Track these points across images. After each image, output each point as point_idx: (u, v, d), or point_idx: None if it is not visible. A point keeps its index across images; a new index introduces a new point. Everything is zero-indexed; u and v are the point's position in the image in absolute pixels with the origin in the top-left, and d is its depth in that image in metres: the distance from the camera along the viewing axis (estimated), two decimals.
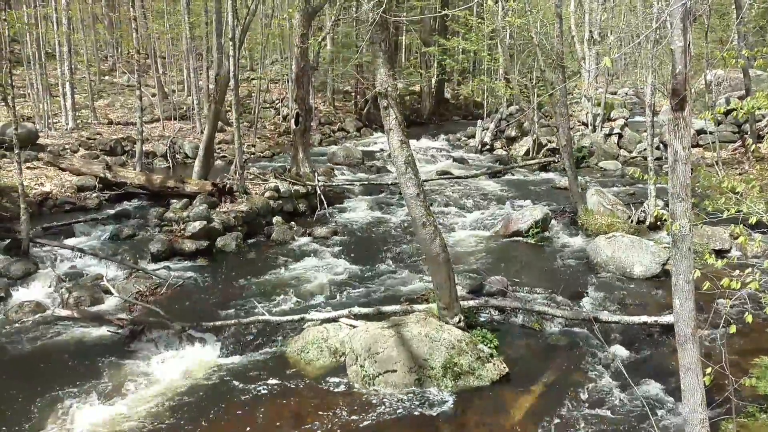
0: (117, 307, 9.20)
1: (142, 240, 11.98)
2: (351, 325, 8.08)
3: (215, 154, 18.43)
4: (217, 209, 12.93)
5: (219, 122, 17.93)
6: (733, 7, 17.77)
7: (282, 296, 9.58)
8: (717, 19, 20.05)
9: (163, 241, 11.40)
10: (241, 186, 13.80)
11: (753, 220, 4.83)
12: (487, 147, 23.60)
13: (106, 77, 29.72)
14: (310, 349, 7.71)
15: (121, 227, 12.48)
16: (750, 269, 4.12)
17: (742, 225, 5.67)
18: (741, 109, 5.95)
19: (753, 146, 15.07)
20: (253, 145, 22.71)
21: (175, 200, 13.18)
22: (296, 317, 8.46)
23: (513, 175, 19.22)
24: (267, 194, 14.14)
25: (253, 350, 7.94)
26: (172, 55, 28.96)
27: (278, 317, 8.52)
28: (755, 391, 6.06)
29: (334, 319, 8.31)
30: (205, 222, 11.82)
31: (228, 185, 13.73)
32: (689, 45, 4.00)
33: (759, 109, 5.70)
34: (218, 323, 8.33)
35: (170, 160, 20.04)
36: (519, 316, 8.73)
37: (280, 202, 14.23)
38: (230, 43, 13.66)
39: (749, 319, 4.04)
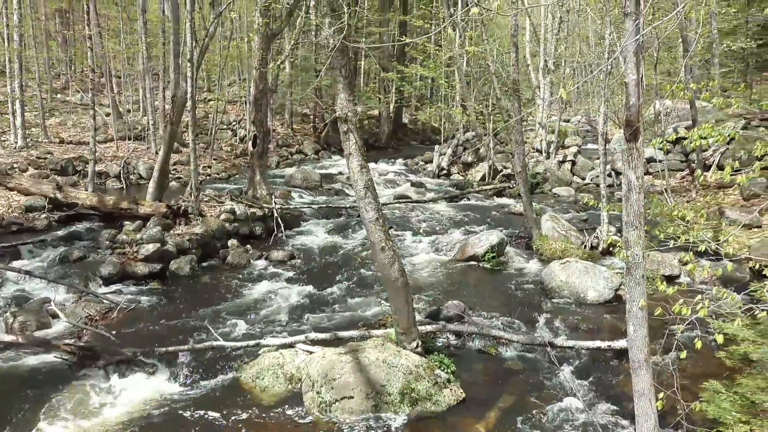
0: (65, 332, 8.89)
1: (93, 262, 11.66)
2: (308, 351, 7.99)
3: (170, 176, 18.14)
4: (172, 231, 12.70)
5: (175, 143, 17.69)
6: (681, 41, 18.45)
7: (237, 321, 9.42)
8: (665, 53, 20.79)
9: (114, 263, 11.13)
10: (196, 208, 13.60)
11: (702, 247, 4.98)
12: (444, 172, 23.85)
13: (59, 95, 29.10)
14: (265, 376, 7.59)
15: (71, 249, 12.14)
16: (700, 296, 4.22)
17: (691, 252, 5.84)
18: (691, 138, 6.17)
19: (701, 175, 15.58)
20: (209, 167, 22.45)
21: (128, 222, 12.90)
22: (251, 343, 8.32)
23: (469, 199, 19.43)
24: (223, 216, 13.97)
25: (207, 377, 7.76)
26: (128, 74, 28.56)
27: (233, 343, 8.38)
28: (705, 415, 6.19)
29: (291, 345, 8.21)
30: (158, 244, 11.59)
31: (183, 207, 13.51)
32: (642, 78, 4.14)
33: (705, 138, 5.91)
34: (171, 349, 8.13)
35: (124, 181, 19.65)
36: (476, 340, 8.77)
37: (236, 224, 14.06)
38: (188, 64, 13.54)
39: (699, 345, 4.14)
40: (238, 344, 8.32)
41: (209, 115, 26.58)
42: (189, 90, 13.74)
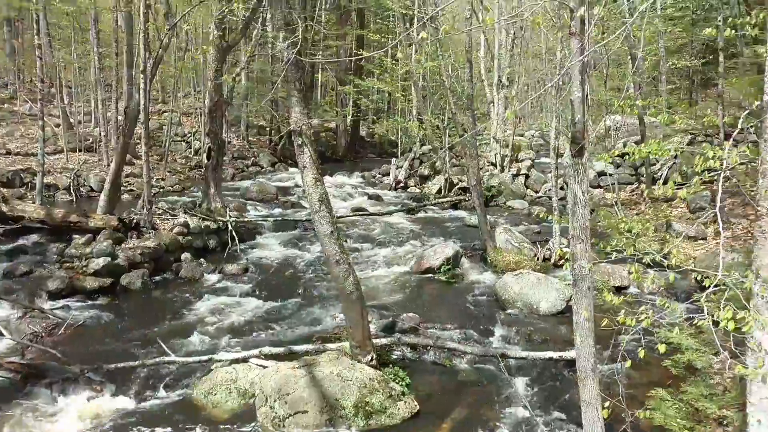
0: (9, 349, 8.60)
1: (40, 277, 11.32)
2: (261, 366, 7.91)
3: (123, 188, 17.80)
4: (123, 245, 12.45)
5: (127, 155, 17.39)
6: (629, 58, 19.03)
7: (190, 336, 9.28)
8: (615, 69, 21.41)
9: (62, 278, 10.85)
10: (148, 221, 13.38)
11: (646, 259, 5.13)
12: (401, 185, 24.00)
13: (5, 105, 28.28)
14: (218, 391, 7.49)
15: (16, 264, 11.76)
16: (644, 307, 4.35)
17: (638, 263, 6.00)
18: (633, 153, 6.37)
19: (648, 189, 16.06)
20: (163, 179, 22.10)
21: (77, 236, 12.59)
22: (204, 358, 8.21)
23: (426, 212, 19.58)
24: (176, 230, 13.76)
25: (157, 394, 7.62)
26: (80, 85, 27.97)
27: (185, 358, 8.24)
28: (651, 423, 6.36)
29: (244, 360, 8.12)
30: (109, 258, 11.36)
31: (135, 220, 13.28)
32: (587, 96, 4.27)
33: (651, 154, 6.12)
34: (120, 365, 7.95)
35: (74, 194, 19.17)
36: (431, 353, 8.82)
37: (190, 238, 13.87)
38: (141, 75, 13.37)
39: (642, 354, 4.27)
40: (191, 360, 8.19)
41: (163, 127, 26.19)
42: (142, 101, 13.54)
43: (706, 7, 22.27)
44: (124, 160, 15.38)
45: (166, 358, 8.12)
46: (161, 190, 20.87)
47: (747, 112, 5.09)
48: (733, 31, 6.28)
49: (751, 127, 5.07)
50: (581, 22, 4.11)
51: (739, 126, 4.49)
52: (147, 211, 13.45)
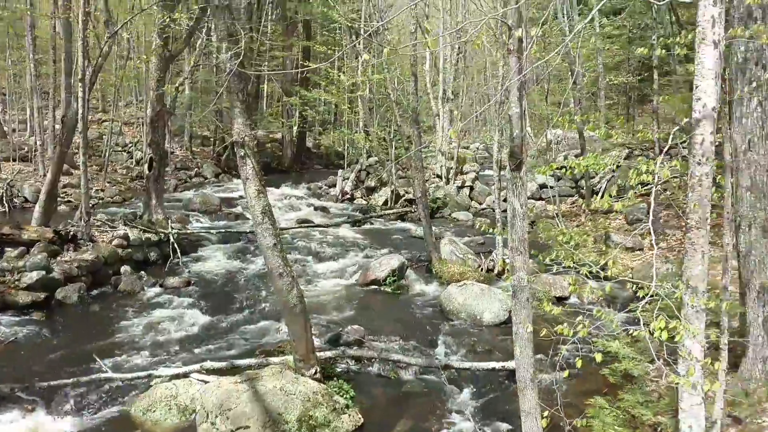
0: None
1: None
2: (203, 381, 7.75)
3: (60, 199, 17.24)
4: (59, 258, 12.04)
5: (65, 165, 16.86)
6: (569, 73, 19.58)
7: (128, 352, 9.03)
8: (556, 84, 21.96)
9: None
10: (86, 233, 12.99)
11: (583, 270, 5.26)
12: (348, 196, 23.98)
13: None
14: (157, 408, 7.30)
15: None
16: (581, 317, 4.45)
17: (577, 274, 6.15)
18: (575, 167, 6.55)
19: (587, 201, 16.51)
20: (103, 190, 21.51)
21: (10, 249, 12.10)
22: (143, 374, 8.00)
23: (372, 224, 19.61)
24: (115, 242, 13.40)
25: (93, 412, 7.36)
26: (15, 92, 27.00)
27: (122, 374, 8.02)
28: (590, 430, 6.50)
29: (185, 375, 7.95)
30: (43, 272, 10.97)
31: (72, 232, 12.86)
32: (525, 111, 4.37)
33: (590, 167, 6.31)
34: (54, 383, 7.67)
35: (7, 205, 18.43)
36: (375, 365, 8.81)
37: (130, 250, 13.53)
38: (80, 83, 13.01)
39: (579, 363, 4.36)
40: (129, 376, 7.97)
41: (104, 137, 25.52)
42: (80, 110, 13.18)
43: (642, 26, 23.09)
44: (60, 170, 14.89)
45: (103, 375, 7.87)
46: (101, 201, 20.30)
47: (677, 128, 5.30)
48: (665, 51, 6.52)
49: (682, 142, 5.26)
50: (519, 40, 4.21)
51: (670, 142, 4.66)
52: (85, 223, 13.05)
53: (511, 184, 4.44)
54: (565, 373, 4.70)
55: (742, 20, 6.65)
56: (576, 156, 19.71)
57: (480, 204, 22.35)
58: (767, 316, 6.82)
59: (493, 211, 16.89)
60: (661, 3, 4.31)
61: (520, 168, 4.37)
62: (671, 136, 5.00)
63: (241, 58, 6.64)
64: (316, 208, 21.63)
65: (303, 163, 33.38)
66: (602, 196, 18.07)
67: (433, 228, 14.94)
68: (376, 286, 12.75)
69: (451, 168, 23.47)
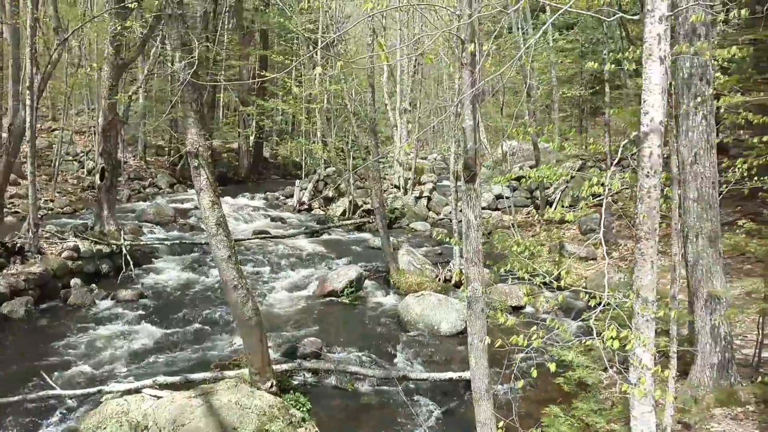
0: None
1: None
2: (156, 396, 7.55)
3: (6, 210, 16.68)
4: (5, 271, 11.66)
5: (12, 175, 16.33)
6: (524, 86, 19.91)
7: (78, 367, 8.78)
8: (511, 97, 22.32)
9: None
10: (34, 245, 12.61)
11: (537, 280, 5.32)
12: (305, 207, 23.85)
13: None
14: (107, 425, 7.07)
15: None
16: (535, 327, 4.50)
17: (531, 284, 6.21)
18: (531, 177, 6.65)
19: (542, 211, 16.77)
20: (52, 200, 20.91)
21: None
22: (93, 390, 7.78)
23: (330, 234, 19.52)
24: (65, 254, 13.04)
25: (41, 430, 7.12)
26: None
27: (72, 391, 7.78)
28: None
29: (137, 390, 7.74)
30: None
31: (19, 244, 12.47)
32: (478, 124, 4.41)
33: (546, 179, 6.41)
34: None
35: None
36: (333, 377, 8.76)
37: (81, 262, 13.18)
38: (28, 91, 12.66)
39: (534, 373, 4.40)
40: (78, 392, 7.74)
41: (53, 146, 24.86)
42: (29, 118, 12.83)
43: (593, 41, 23.63)
44: (7, 180, 14.43)
45: (51, 392, 7.63)
46: (50, 212, 19.74)
47: (626, 140, 5.43)
48: (615, 66, 6.68)
49: (632, 154, 5.38)
50: (472, 54, 4.26)
51: (620, 154, 4.76)
52: (33, 235, 12.68)
53: (465, 195, 4.47)
54: (520, 383, 4.73)
55: (687, 37, 6.86)
56: (531, 167, 20.02)
57: (438, 214, 22.49)
58: (714, 324, 7.01)
59: (451, 221, 17.03)
60: (611, 19, 4.42)
61: (474, 180, 4.40)
62: (621, 149, 5.12)
63: (195, 67, 6.55)
64: (273, 219, 21.45)
65: (260, 173, 33.09)
66: (556, 207, 18.42)
67: (391, 238, 14.95)
68: (333, 298, 12.67)
69: (409, 178, 23.60)
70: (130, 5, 11.18)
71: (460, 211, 16.38)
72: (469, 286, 4.58)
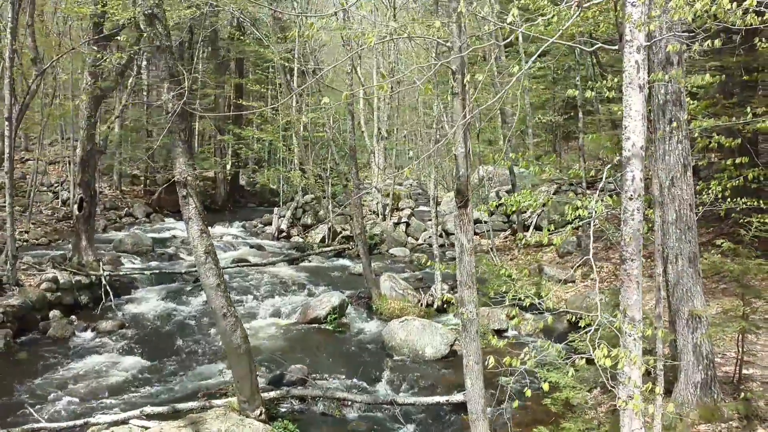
0: None
1: None
2: (143, 427, 7.50)
3: None
4: None
5: None
6: (499, 113, 20.28)
7: (62, 399, 8.66)
8: (486, 123, 22.65)
9: None
10: (12, 277, 12.43)
11: (527, 302, 5.46)
12: (284, 234, 23.82)
13: None
14: None
15: None
16: (527, 348, 4.61)
17: (516, 307, 6.34)
18: (508, 203, 6.82)
19: (522, 237, 16.98)
20: (27, 231, 20.61)
21: None
22: (79, 422, 7.69)
23: (310, 261, 19.49)
24: (43, 286, 12.87)
25: None
26: None
27: (56, 423, 7.68)
28: None
29: (124, 422, 7.67)
30: None
31: None
32: (469, 151, 4.56)
33: (529, 206, 6.60)
34: None
35: None
36: (320, 403, 8.76)
37: (59, 294, 13.01)
38: (6, 122, 12.61)
39: (528, 393, 4.50)
40: (64, 425, 7.64)
41: (27, 177, 24.59)
42: (7, 150, 12.75)
43: (565, 68, 24.19)
44: None
45: (36, 425, 7.52)
46: (25, 243, 19.44)
47: (609, 165, 5.62)
48: (593, 93, 6.94)
49: (608, 178, 5.56)
50: (462, 83, 4.42)
51: (604, 178, 4.94)
52: (11, 267, 12.51)
53: (458, 220, 4.60)
54: (514, 404, 4.83)
55: (662, 64, 7.14)
56: (507, 192, 20.31)
57: (416, 240, 22.63)
58: (697, 342, 7.18)
59: (430, 246, 17.18)
60: (591, 49, 4.62)
61: (467, 205, 4.54)
62: (604, 174, 5.30)
63: (184, 98, 6.64)
64: (251, 247, 21.36)
65: (237, 201, 32.98)
66: (536, 230, 18.69)
67: (372, 264, 15.01)
68: (317, 324, 12.67)
69: (387, 204, 23.75)
70: (110, 35, 11.27)
71: (440, 236, 16.54)
72: (462, 309, 4.69)
